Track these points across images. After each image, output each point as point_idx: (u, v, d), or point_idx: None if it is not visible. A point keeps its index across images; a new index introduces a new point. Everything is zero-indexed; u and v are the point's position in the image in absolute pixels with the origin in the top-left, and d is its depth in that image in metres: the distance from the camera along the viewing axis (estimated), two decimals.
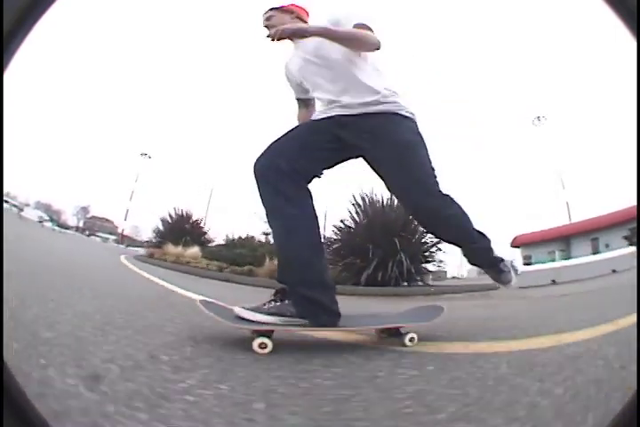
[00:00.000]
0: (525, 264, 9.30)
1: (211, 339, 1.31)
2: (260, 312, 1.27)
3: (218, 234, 11.91)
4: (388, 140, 1.39)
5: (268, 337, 1.20)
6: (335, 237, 6.81)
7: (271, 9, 1.59)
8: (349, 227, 6.74)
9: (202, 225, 12.22)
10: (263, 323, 1.25)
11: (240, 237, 10.30)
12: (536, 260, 9.54)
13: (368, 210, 6.57)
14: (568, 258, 8.12)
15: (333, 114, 1.45)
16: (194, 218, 12.15)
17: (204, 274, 6.64)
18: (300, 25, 1.41)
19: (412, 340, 1.39)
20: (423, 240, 6.26)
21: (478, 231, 1.54)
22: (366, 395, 0.87)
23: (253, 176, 1.38)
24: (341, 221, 6.85)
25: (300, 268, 1.31)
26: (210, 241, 11.75)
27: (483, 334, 1.63)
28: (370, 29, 1.40)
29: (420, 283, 6.15)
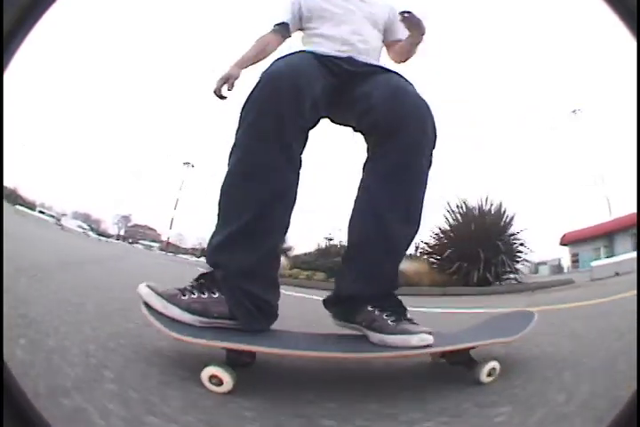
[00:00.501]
0: (573, 262, 9.76)
1: None
2: (177, 305, 0.89)
3: (295, 242, 11.38)
4: None
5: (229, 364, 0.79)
6: (438, 243, 7.75)
7: None
8: (448, 232, 7.71)
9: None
10: (177, 321, 0.87)
11: (329, 246, 10.19)
12: (582, 257, 9.59)
13: (468, 215, 7.60)
14: (611, 255, 8.08)
15: None
16: None
17: (310, 285, 6.32)
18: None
19: (491, 373, 0.94)
20: (513, 242, 7.36)
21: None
22: None
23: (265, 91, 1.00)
24: (439, 228, 7.85)
25: (254, 249, 0.95)
26: (289, 249, 11.23)
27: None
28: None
29: (514, 281, 7.01)
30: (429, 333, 0.90)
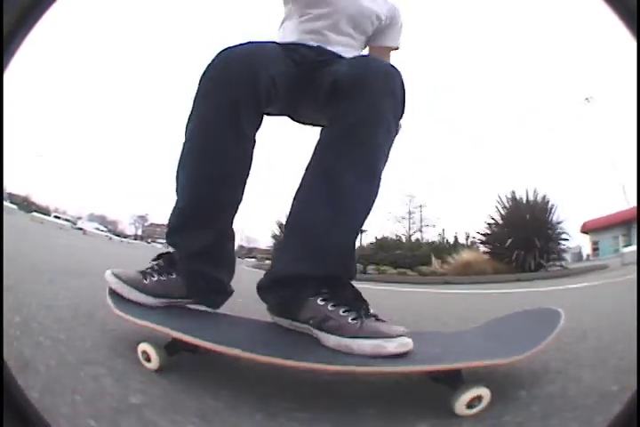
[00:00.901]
0: (594, 250, 10.09)
1: None
2: (140, 290, 0.91)
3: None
4: None
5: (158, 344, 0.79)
6: (496, 233, 8.39)
7: None
8: (505, 223, 8.38)
9: None
10: (142, 304, 0.89)
11: (385, 238, 10.26)
12: (602, 245, 9.75)
13: (520, 206, 8.28)
14: (629, 244, 8.29)
15: None
16: None
17: (374, 278, 6.67)
18: None
19: (472, 405, 0.66)
20: (558, 230, 8.28)
21: None
22: None
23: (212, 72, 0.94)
24: (493, 219, 8.62)
25: (204, 229, 0.94)
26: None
27: None
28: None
29: (559, 267, 7.90)
30: (405, 333, 0.69)
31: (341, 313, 0.72)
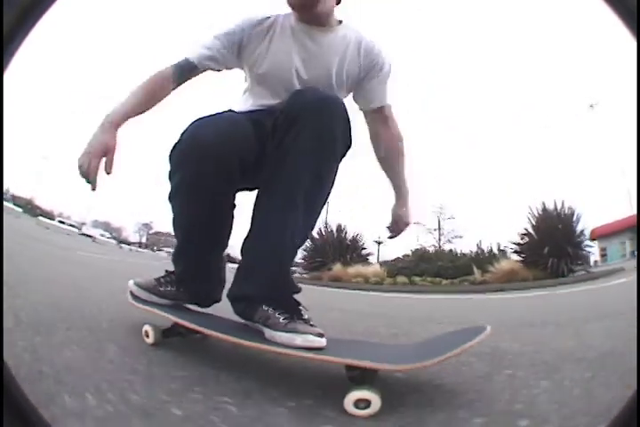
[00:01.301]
0: (602, 256, 10.52)
1: None
2: (157, 295, 1.24)
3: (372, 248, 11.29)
4: None
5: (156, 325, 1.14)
6: (529, 242, 9.22)
7: None
8: (538, 232, 9.21)
9: (360, 240, 11.51)
10: (158, 304, 1.22)
11: (421, 249, 10.56)
12: (610, 251, 10.09)
13: (551, 216, 9.20)
14: (636, 249, 8.95)
15: None
16: (349, 232, 11.36)
17: (428, 290, 7.14)
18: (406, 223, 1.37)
19: (359, 406, 0.75)
20: (582, 238, 9.29)
21: None
22: None
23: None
24: (525, 229, 9.49)
25: (188, 263, 1.23)
26: (367, 256, 11.19)
27: None
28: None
29: (583, 271, 8.65)
30: (320, 335, 0.89)
31: (277, 315, 0.96)
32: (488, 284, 7.84)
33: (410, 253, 10.70)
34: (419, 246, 11.07)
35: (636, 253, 8.83)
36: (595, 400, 0.82)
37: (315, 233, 10.53)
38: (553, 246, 8.62)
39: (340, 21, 1.20)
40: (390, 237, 1.41)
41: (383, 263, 10.41)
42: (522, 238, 9.61)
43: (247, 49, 1.15)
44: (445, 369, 1.04)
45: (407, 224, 1.37)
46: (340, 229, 11.62)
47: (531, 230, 9.56)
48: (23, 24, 0.50)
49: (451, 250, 11.01)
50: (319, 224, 10.27)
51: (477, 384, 0.98)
